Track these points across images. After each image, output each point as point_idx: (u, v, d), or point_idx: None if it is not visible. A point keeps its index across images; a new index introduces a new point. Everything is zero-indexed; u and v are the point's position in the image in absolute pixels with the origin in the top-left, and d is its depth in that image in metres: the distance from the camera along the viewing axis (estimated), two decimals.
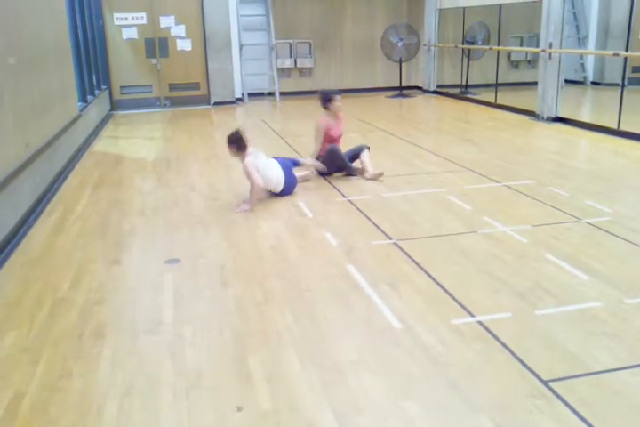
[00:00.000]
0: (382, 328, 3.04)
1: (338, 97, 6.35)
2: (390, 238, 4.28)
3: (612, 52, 8.35)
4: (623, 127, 7.77)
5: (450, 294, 3.37)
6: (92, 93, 9.80)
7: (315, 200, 5.34)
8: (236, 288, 3.55)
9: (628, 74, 13.37)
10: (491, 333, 2.95)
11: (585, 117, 9.29)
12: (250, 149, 5.33)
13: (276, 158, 5.65)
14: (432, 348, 2.83)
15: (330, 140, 6.13)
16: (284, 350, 2.83)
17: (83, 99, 8.90)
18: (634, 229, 4.33)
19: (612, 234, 4.25)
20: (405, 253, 4.01)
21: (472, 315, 3.13)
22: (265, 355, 2.80)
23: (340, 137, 6.26)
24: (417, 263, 3.83)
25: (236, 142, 5.29)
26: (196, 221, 4.85)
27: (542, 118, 9.12)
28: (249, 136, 5.39)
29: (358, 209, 5.01)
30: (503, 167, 6.32)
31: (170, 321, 3.15)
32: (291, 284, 3.58)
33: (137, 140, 8.75)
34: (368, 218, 4.77)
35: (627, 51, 7.65)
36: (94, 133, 9.12)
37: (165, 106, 12.07)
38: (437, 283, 3.53)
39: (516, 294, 3.35)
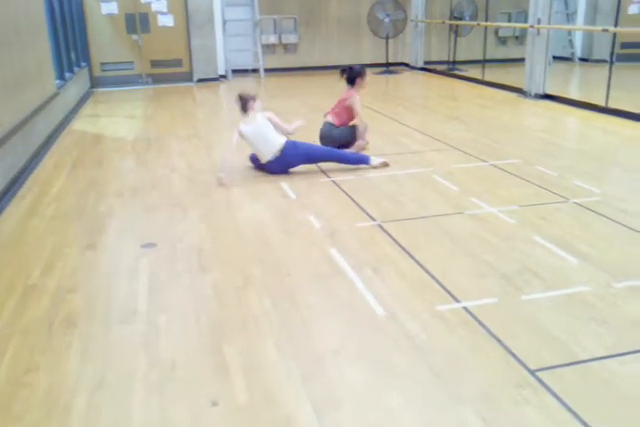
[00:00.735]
0: (365, 315, 2.94)
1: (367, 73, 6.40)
2: (374, 220, 4.17)
3: (600, 28, 8.20)
4: (611, 104, 7.66)
5: (434, 279, 3.28)
6: (71, 71, 9.52)
7: (298, 181, 5.20)
8: (214, 273, 3.43)
9: (617, 50, 13.27)
10: (476, 319, 2.86)
11: (573, 95, 9.19)
12: (249, 116, 5.43)
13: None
14: (416, 336, 2.74)
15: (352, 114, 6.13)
16: (262, 339, 2.73)
17: (60, 76, 8.64)
18: (622, 209, 4.25)
19: (601, 215, 4.16)
20: (390, 235, 3.90)
21: (457, 300, 3.04)
22: (242, 344, 2.69)
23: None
24: (401, 246, 3.72)
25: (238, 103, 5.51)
26: (174, 202, 4.71)
27: (530, 95, 8.99)
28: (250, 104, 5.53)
29: (342, 190, 4.88)
30: (490, 146, 6.21)
31: (144, 309, 3.03)
32: (272, 268, 3.47)
33: (117, 119, 8.53)
34: (352, 199, 4.65)
35: (616, 26, 7.49)
36: (73, 112, 8.88)
37: (147, 83, 11.80)
38: (422, 266, 3.43)
39: (503, 278, 3.26)
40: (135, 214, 4.50)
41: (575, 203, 4.42)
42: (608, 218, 4.10)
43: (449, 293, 3.12)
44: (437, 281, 3.25)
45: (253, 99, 5.51)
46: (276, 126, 5.44)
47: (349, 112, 6.12)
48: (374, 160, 5.43)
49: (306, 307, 3.01)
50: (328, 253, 3.65)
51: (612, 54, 7.67)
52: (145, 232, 4.13)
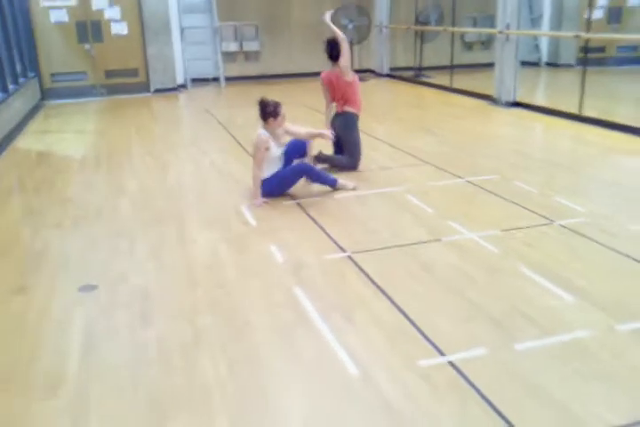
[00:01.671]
0: (335, 376, 2.50)
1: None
2: (344, 251, 3.74)
3: (572, 34, 7.93)
4: (585, 112, 7.39)
5: (414, 325, 2.86)
6: (15, 82, 8.91)
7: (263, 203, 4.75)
8: (159, 326, 2.95)
9: (579, 55, 13.17)
10: (464, 377, 2.45)
11: (544, 101, 8.93)
12: (277, 133, 4.75)
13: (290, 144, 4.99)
14: (395, 401, 2.32)
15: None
16: (214, 416, 2.27)
17: (3, 88, 8.04)
18: (612, 233, 3.90)
19: (591, 239, 3.80)
20: (362, 269, 3.48)
21: (441, 353, 2.62)
22: (189, 421, 2.23)
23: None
24: (375, 283, 3.30)
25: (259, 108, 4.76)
26: (121, 233, 4.22)
27: (501, 103, 8.70)
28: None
29: (307, 214, 4.45)
30: (464, 160, 5.84)
31: (74, 377, 2.54)
32: (226, 317, 3.01)
33: (66, 135, 7.96)
34: (319, 225, 4.21)
35: (587, 31, 7.23)
36: (19, 128, 8.27)
37: (101, 94, 11.20)
38: (399, 309, 3.01)
39: (491, 322, 2.86)
40: (75, 249, 3.99)
41: (561, 225, 4.06)
42: (598, 243, 3.74)
43: (431, 343, 2.70)
44: (417, 328, 2.83)
45: (276, 110, 4.69)
46: (294, 135, 4.97)
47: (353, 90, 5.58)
48: (341, 183, 4.96)
49: (266, 370, 2.56)
50: (292, 295, 3.21)
51: (585, 61, 7.39)
52: (85, 271, 3.64)
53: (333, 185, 4.92)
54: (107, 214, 4.65)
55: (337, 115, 5.62)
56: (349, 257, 3.65)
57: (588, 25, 7.26)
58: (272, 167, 4.79)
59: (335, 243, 3.88)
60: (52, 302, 3.27)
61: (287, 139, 4.95)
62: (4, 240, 4.20)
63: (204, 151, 6.61)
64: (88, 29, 10.93)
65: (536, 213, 4.29)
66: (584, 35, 7.20)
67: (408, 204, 4.61)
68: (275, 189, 4.80)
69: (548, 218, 4.19)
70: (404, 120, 8.13)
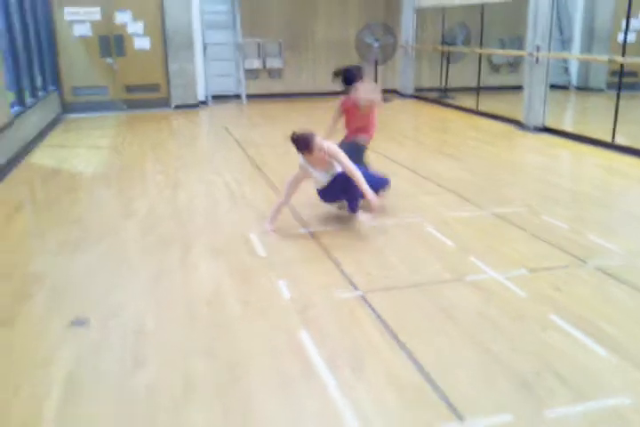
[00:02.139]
0: None
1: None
2: (357, 289, 3.46)
3: (605, 58, 7.63)
4: (618, 140, 7.05)
5: (432, 383, 2.55)
6: (35, 96, 8.83)
7: (270, 232, 4.49)
8: (150, 370, 2.69)
9: (609, 79, 12.83)
10: None
11: (574, 127, 8.59)
12: (308, 157, 4.39)
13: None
14: None
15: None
16: None
17: (20, 102, 7.93)
18: None
19: (630, 286, 3.47)
20: (375, 312, 3.19)
21: (461, 418, 2.32)
22: None
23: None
24: (389, 329, 3.01)
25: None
26: (121, 260, 3.98)
27: (529, 128, 8.39)
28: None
29: (321, 245, 4.18)
30: (488, 189, 5.54)
31: None
32: (223, 363, 2.74)
33: (80, 151, 7.81)
34: (331, 258, 3.94)
35: (623, 56, 6.91)
36: (35, 141, 8.16)
37: (121, 109, 11.11)
38: (415, 362, 2.71)
39: (518, 383, 2.55)
40: (73, 277, 3.76)
41: (595, 267, 3.73)
42: (636, 289, 3.41)
43: (450, 405, 2.40)
44: (435, 387, 2.53)
45: (309, 146, 4.31)
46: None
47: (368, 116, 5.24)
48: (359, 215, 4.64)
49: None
50: (297, 340, 2.92)
51: (619, 87, 7.07)
52: (79, 303, 3.39)
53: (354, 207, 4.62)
54: (110, 238, 4.42)
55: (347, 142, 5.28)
56: (362, 297, 3.36)
57: (623, 48, 6.94)
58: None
59: (348, 279, 3.60)
60: (39, 337, 3.03)
61: (335, 165, 4.61)
62: (1, 264, 3.98)
63: (217, 171, 6.39)
64: (111, 44, 10.89)
65: (566, 251, 3.97)
66: (619, 59, 6.88)
67: (428, 236, 4.32)
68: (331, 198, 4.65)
69: (579, 258, 3.86)
70: (427, 143, 7.85)
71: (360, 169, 4.46)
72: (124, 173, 6.41)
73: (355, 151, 5.05)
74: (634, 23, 12.34)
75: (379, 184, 4.93)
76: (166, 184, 5.91)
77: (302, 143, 4.32)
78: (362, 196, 4.55)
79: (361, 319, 3.12)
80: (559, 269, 3.71)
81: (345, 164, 4.35)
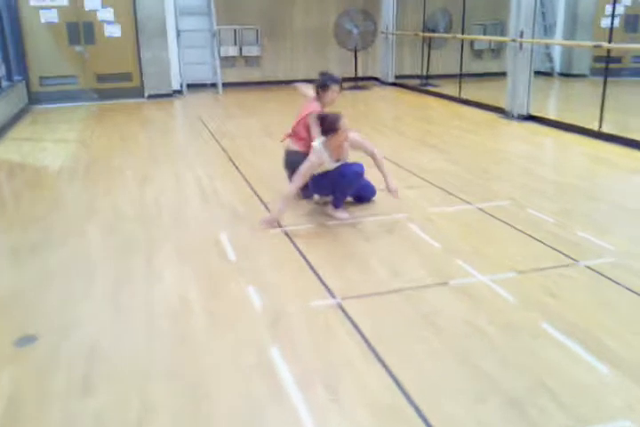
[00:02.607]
0: None
1: (336, 85, 4.85)
2: (333, 296, 3.19)
3: (591, 44, 7.40)
4: (605, 129, 6.84)
5: (412, 404, 2.31)
6: None
7: (242, 231, 4.21)
8: (101, 395, 2.41)
9: (592, 64, 12.63)
10: None
11: (559, 115, 8.36)
12: (330, 141, 4.19)
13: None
14: None
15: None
16: None
17: None
18: None
19: (624, 287, 3.24)
20: (352, 322, 2.93)
21: None
22: None
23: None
24: (367, 342, 2.75)
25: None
26: (80, 266, 3.68)
27: (512, 116, 8.15)
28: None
29: (295, 246, 3.90)
30: (473, 182, 5.29)
31: None
32: (184, 384, 2.47)
33: (46, 144, 7.44)
34: (306, 260, 3.67)
35: (610, 41, 6.68)
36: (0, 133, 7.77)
37: (92, 99, 10.69)
38: (395, 380, 2.46)
39: (509, 402, 2.31)
40: (25, 287, 3.45)
41: (587, 266, 3.51)
42: (635, 293, 3.18)
43: None
44: (416, 408, 2.28)
45: (335, 126, 4.16)
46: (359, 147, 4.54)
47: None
48: (337, 212, 4.43)
49: None
50: (267, 357, 2.66)
51: (605, 74, 6.83)
52: (28, 317, 3.09)
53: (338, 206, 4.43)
54: (70, 241, 4.11)
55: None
56: (339, 305, 3.10)
57: (610, 34, 6.70)
58: None
59: (324, 284, 3.33)
60: None
61: (348, 153, 4.44)
62: None
63: (189, 166, 6.08)
64: (80, 31, 10.44)
65: (556, 250, 3.74)
66: (606, 44, 6.65)
67: (410, 235, 4.06)
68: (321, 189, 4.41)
69: (570, 257, 3.63)
70: (409, 134, 7.58)
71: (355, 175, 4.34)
72: (91, 169, 6.07)
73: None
74: (617, 8, 12.17)
75: (373, 192, 4.71)
76: (134, 180, 5.59)
77: (331, 123, 4.16)
78: (348, 193, 4.37)
79: (336, 331, 2.86)
80: (549, 269, 3.47)
81: (372, 149, 4.52)
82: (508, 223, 4.22)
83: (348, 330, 2.86)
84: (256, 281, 3.40)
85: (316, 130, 4.57)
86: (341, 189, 4.35)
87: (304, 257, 3.71)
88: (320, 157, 4.21)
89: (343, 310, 3.04)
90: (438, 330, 2.85)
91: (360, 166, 4.39)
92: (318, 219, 4.38)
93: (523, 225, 4.17)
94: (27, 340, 2.84)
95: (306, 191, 4.83)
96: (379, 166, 4.55)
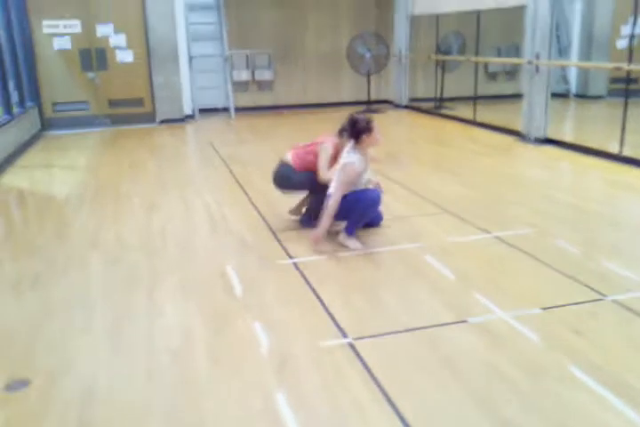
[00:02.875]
0: None
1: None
2: (344, 335, 3.00)
3: (611, 65, 7.23)
4: (626, 152, 6.63)
5: None
6: (9, 113, 8.38)
7: (249, 262, 4.04)
8: None
9: (609, 86, 12.45)
10: None
11: (577, 138, 8.15)
12: (363, 143, 4.16)
13: None
14: None
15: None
16: None
17: None
18: None
19: None
20: (365, 365, 2.73)
21: None
22: None
23: None
24: (379, 386, 2.55)
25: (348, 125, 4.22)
26: (79, 301, 3.52)
27: (530, 140, 7.96)
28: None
29: (305, 279, 3.72)
30: (491, 209, 5.10)
31: None
32: None
33: (55, 171, 7.37)
34: (316, 295, 3.48)
35: (629, 63, 6.50)
36: (9, 161, 7.70)
37: (105, 125, 10.67)
38: None
39: None
40: (22, 324, 3.28)
41: (614, 301, 3.28)
42: None
43: None
44: None
45: (370, 125, 4.13)
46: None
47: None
48: (349, 241, 4.25)
49: None
50: (272, 403, 2.46)
51: (626, 96, 6.64)
52: (23, 358, 2.93)
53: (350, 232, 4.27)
54: (72, 272, 3.96)
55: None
56: (350, 345, 2.90)
57: (630, 55, 6.53)
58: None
59: (334, 322, 3.14)
60: None
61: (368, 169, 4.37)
62: None
63: (198, 192, 5.95)
64: (92, 57, 10.46)
65: (583, 283, 3.52)
66: (625, 66, 6.47)
67: (426, 267, 3.86)
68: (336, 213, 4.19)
69: (597, 291, 3.41)
70: (423, 158, 7.42)
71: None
72: (98, 196, 5.96)
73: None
74: (632, 29, 12.02)
75: (380, 217, 4.56)
76: (141, 208, 5.45)
77: (366, 121, 4.11)
78: (363, 220, 4.27)
79: (347, 374, 2.66)
80: (575, 305, 3.25)
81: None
82: (528, 253, 4.01)
83: (359, 374, 2.66)
84: (263, 318, 3.22)
85: (323, 160, 4.45)
86: (357, 214, 4.17)
87: (314, 291, 3.53)
88: (358, 165, 4.10)
89: (354, 351, 2.84)
90: (456, 373, 2.64)
91: (377, 193, 4.22)
92: (329, 249, 4.20)
93: (544, 256, 3.95)
94: (18, 384, 2.67)
95: (308, 218, 4.68)
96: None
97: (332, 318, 3.17)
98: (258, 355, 2.85)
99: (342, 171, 4.11)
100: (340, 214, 4.22)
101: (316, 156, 4.55)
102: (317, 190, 4.57)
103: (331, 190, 4.21)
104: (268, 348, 2.91)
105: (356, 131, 4.12)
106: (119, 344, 3.00)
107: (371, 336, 2.98)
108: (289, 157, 4.71)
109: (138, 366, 2.79)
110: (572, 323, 3.05)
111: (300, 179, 4.63)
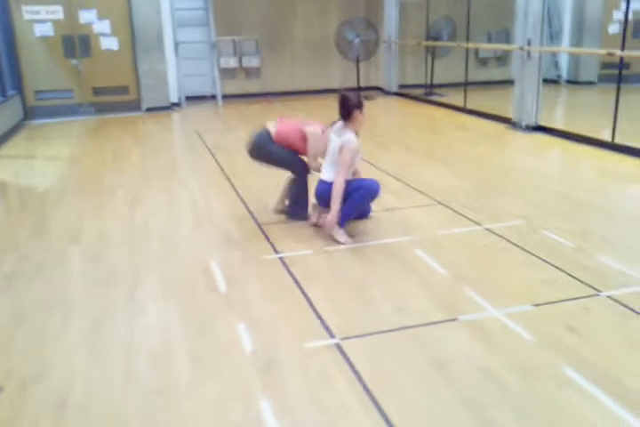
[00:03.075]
0: None
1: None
2: (332, 336, 2.89)
3: (603, 51, 7.10)
4: (618, 140, 6.53)
5: None
6: None
7: (233, 257, 3.92)
8: None
9: (599, 71, 12.33)
10: None
11: (569, 125, 8.04)
12: (354, 121, 4.10)
13: None
14: None
15: None
16: None
17: None
18: None
19: None
20: (352, 367, 2.62)
21: None
22: None
23: None
24: (367, 389, 2.45)
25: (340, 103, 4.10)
26: (56, 301, 3.38)
27: (521, 127, 7.85)
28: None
29: (291, 275, 3.60)
30: (482, 199, 4.99)
31: None
32: None
33: (36, 162, 7.19)
34: (303, 293, 3.37)
35: (622, 49, 6.38)
36: None
37: (89, 113, 10.46)
38: None
39: None
40: None
41: (609, 297, 3.19)
42: None
43: None
44: None
45: (360, 101, 4.09)
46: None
47: (301, 140, 4.40)
48: (338, 234, 4.13)
49: None
50: (256, 411, 2.35)
51: (619, 81, 6.53)
52: None
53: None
54: (49, 270, 3.83)
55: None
56: (337, 346, 2.79)
57: (623, 41, 6.41)
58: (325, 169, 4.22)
59: (321, 321, 3.03)
60: None
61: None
62: None
63: (183, 184, 5.81)
64: (75, 44, 10.21)
65: (575, 277, 3.43)
66: (619, 52, 6.35)
67: (416, 261, 3.75)
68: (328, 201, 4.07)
69: (591, 286, 3.32)
70: (414, 147, 7.29)
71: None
72: (79, 189, 5.80)
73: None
74: (620, 14, 11.89)
75: (369, 209, 4.44)
76: (123, 201, 5.31)
77: (357, 96, 4.06)
78: (357, 210, 4.16)
79: (333, 378, 2.55)
80: (569, 301, 3.16)
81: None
82: (520, 247, 3.91)
83: (347, 377, 2.55)
84: (247, 317, 3.10)
85: (317, 147, 4.33)
86: (352, 204, 4.04)
87: (300, 288, 3.41)
88: (355, 141, 4.04)
89: (342, 352, 2.73)
90: (446, 375, 2.54)
91: (377, 184, 4.10)
92: (316, 244, 4.08)
93: (537, 249, 3.85)
94: None
95: (294, 208, 4.56)
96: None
97: (319, 317, 3.06)
98: (240, 358, 2.73)
99: (343, 149, 3.99)
100: (328, 202, 4.08)
101: (300, 137, 4.40)
102: (298, 170, 4.45)
103: (323, 177, 4.13)
104: (251, 351, 2.80)
105: (349, 107, 4.03)
106: (97, 347, 2.88)
107: (358, 336, 2.88)
108: (271, 127, 4.50)
109: (115, 370, 2.67)
110: (566, 320, 2.96)
111: (280, 154, 4.43)
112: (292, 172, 4.55)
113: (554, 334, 2.85)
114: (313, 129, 4.40)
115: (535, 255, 3.76)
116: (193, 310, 3.21)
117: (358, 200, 4.06)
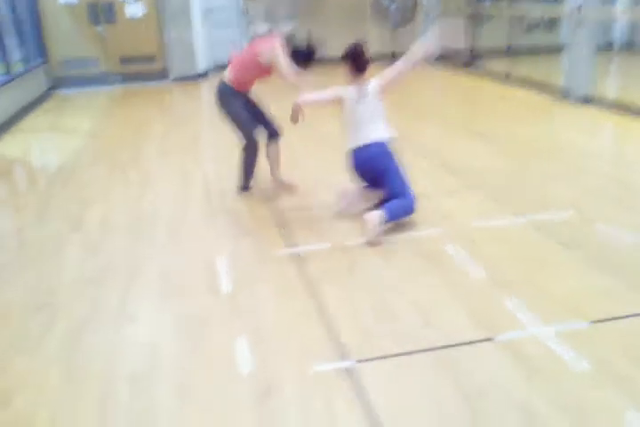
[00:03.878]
0: None
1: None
2: (344, 357, 2.46)
3: None
4: None
5: None
6: (8, 72, 7.86)
7: (242, 251, 3.52)
8: None
9: None
10: None
11: (626, 98, 7.31)
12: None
13: None
14: None
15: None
16: None
17: None
18: None
19: None
20: (364, 398, 2.20)
21: None
22: None
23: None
24: None
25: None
26: (42, 301, 3.04)
27: (572, 99, 7.16)
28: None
29: (305, 275, 3.18)
30: (525, 184, 4.45)
31: None
32: None
33: (54, 136, 6.88)
34: (316, 299, 2.94)
35: None
36: (9, 123, 7.23)
37: (116, 83, 10.10)
38: None
39: None
40: None
41: None
42: None
43: None
44: None
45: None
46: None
47: (260, 67, 4.06)
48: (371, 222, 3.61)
49: None
50: None
51: None
52: None
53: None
54: (41, 263, 3.49)
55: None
56: (350, 371, 2.37)
57: None
58: (360, 135, 3.76)
59: (333, 336, 2.60)
60: None
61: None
62: None
63: (199, 162, 5.41)
64: (99, 11, 9.80)
65: (637, 286, 2.91)
66: None
67: (447, 260, 3.28)
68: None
69: None
70: (450, 121, 6.71)
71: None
72: (94, 166, 5.47)
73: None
74: None
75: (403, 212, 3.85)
76: (135, 182, 4.94)
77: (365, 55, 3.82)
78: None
79: (341, 412, 2.14)
80: (631, 318, 2.66)
81: (398, 68, 3.99)
82: (570, 245, 3.39)
83: (357, 411, 2.14)
84: (248, 328, 2.70)
85: (283, 56, 4.05)
86: (400, 208, 3.66)
87: (313, 293, 2.98)
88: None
89: (354, 379, 2.31)
90: (476, 413, 2.10)
91: (412, 204, 3.71)
92: (336, 237, 3.64)
93: (591, 247, 3.34)
94: None
95: (248, 181, 4.31)
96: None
97: (331, 330, 2.64)
98: (236, 383, 2.34)
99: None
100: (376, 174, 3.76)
101: (256, 66, 4.04)
102: (249, 136, 4.14)
103: (373, 135, 3.79)
104: (249, 371, 2.40)
105: (365, 61, 3.82)
106: (73, 366, 2.50)
107: (375, 359, 2.45)
108: (226, 75, 4.11)
109: (88, 398, 2.30)
110: (627, 342, 2.47)
111: (237, 111, 4.14)
112: (244, 136, 4.15)
113: (613, 360, 2.36)
114: (262, 49, 3.98)
115: (589, 257, 3.24)
116: (188, 318, 2.83)
117: (403, 209, 3.69)
